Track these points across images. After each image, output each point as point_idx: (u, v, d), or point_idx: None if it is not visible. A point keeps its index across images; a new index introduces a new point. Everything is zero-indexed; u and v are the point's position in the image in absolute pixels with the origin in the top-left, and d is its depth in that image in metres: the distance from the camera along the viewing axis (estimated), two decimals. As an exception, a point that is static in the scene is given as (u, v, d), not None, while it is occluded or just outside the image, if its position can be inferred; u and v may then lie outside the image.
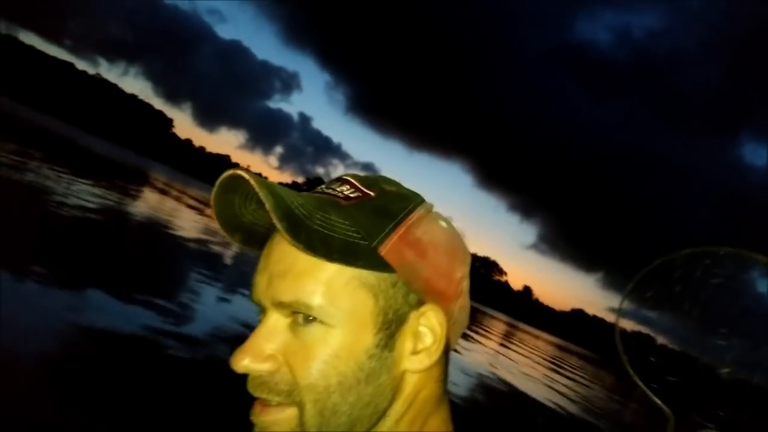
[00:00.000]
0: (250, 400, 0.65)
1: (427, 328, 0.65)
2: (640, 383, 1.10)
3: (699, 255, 1.13)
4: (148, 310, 6.78)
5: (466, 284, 0.69)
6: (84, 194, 14.17)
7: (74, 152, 34.07)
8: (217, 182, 0.63)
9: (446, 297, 0.66)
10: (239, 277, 12.64)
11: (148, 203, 20.23)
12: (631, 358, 1.13)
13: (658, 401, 1.06)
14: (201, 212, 26.27)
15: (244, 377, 0.64)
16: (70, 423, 3.69)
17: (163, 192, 30.79)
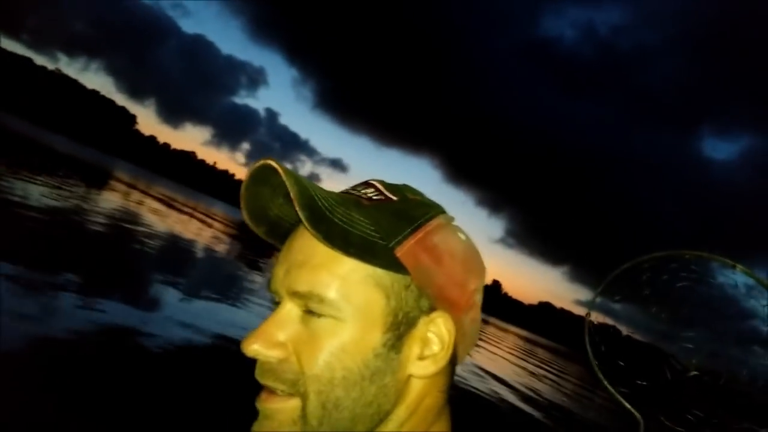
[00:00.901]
0: (252, 389, 0.66)
1: (435, 334, 0.65)
2: (610, 388, 1.10)
3: (665, 258, 1.14)
4: (112, 310, 6.63)
5: (478, 298, 0.70)
6: (44, 194, 13.75)
7: (33, 150, 33.03)
8: (249, 172, 0.65)
9: (458, 306, 0.66)
10: (204, 277, 12.47)
11: (111, 201, 19.73)
12: (600, 362, 1.14)
13: (629, 406, 1.07)
14: (161, 214, 25.83)
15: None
16: (38, 423, 3.58)
17: (126, 190, 30.10)
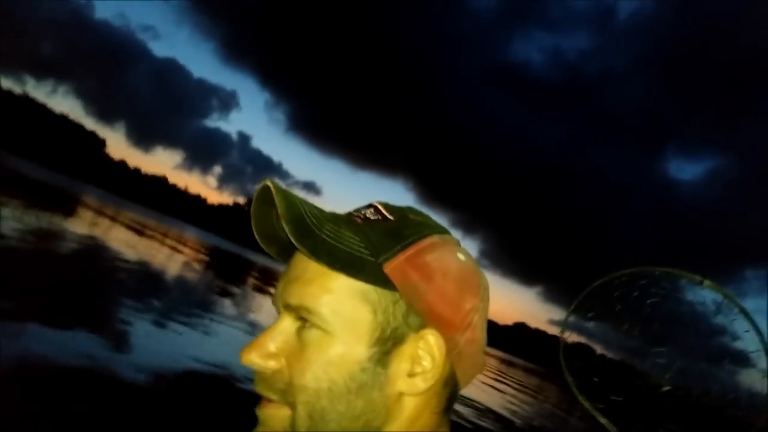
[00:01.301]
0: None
1: (426, 352, 0.65)
2: (586, 404, 1.11)
3: (636, 275, 1.17)
4: (83, 339, 6.45)
5: (477, 318, 0.68)
6: (11, 220, 13.40)
7: (-1, 176, 32.26)
8: (255, 193, 0.68)
9: (451, 325, 0.65)
10: (174, 303, 12.24)
11: (78, 228, 19.30)
12: (575, 378, 1.15)
13: (604, 420, 1.07)
14: (139, 233, 25.39)
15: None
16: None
17: (95, 217, 29.48)
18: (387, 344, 0.64)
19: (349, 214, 0.71)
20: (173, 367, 6.94)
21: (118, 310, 9.25)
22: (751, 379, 1.05)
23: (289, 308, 0.66)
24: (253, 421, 0.70)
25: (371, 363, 0.63)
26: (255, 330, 12.63)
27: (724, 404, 1.07)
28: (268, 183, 0.65)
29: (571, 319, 1.19)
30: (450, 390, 0.69)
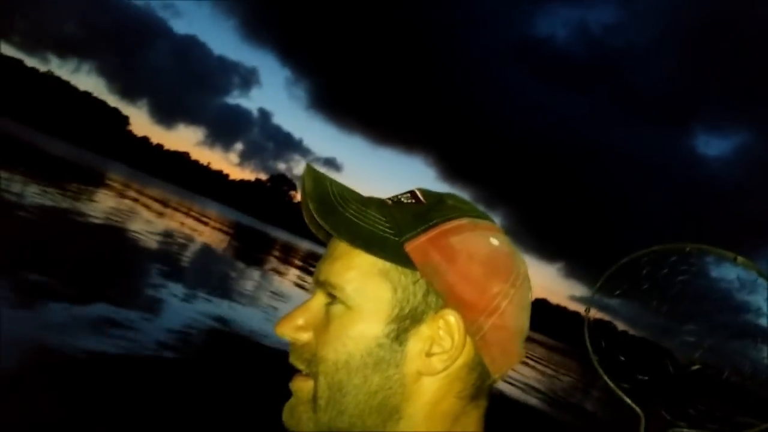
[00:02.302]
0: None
1: (445, 332, 0.65)
2: (611, 383, 1.09)
3: (665, 252, 1.13)
4: (109, 313, 6.59)
5: (507, 304, 0.66)
6: (39, 196, 13.66)
7: (26, 152, 32.82)
8: (301, 179, 0.70)
9: (474, 307, 0.64)
10: (200, 277, 12.42)
11: (105, 204, 19.61)
12: (600, 358, 1.12)
13: (629, 401, 1.05)
14: (160, 213, 25.73)
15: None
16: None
17: (121, 192, 29.91)
18: (405, 322, 0.65)
19: (384, 199, 0.72)
20: (198, 332, 7.07)
21: (145, 283, 9.42)
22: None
23: (319, 284, 0.69)
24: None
25: (388, 339, 0.65)
26: (277, 303, 12.80)
27: (754, 384, 1.04)
28: (306, 166, 0.69)
29: (597, 296, 1.16)
30: (477, 376, 0.68)
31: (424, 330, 0.65)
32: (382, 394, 0.65)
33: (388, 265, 0.66)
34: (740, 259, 1.08)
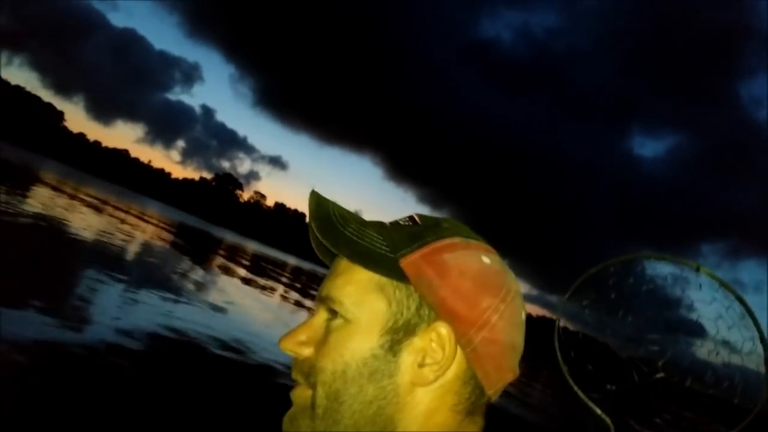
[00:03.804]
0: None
1: (437, 344, 0.67)
2: (581, 394, 1.10)
3: (632, 262, 1.15)
4: (43, 315, 6.28)
5: (497, 319, 0.68)
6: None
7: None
8: (308, 204, 0.74)
9: (464, 321, 0.67)
10: (141, 276, 12.03)
11: (39, 203, 18.67)
12: (569, 367, 1.13)
13: (599, 411, 1.06)
14: (98, 212, 24.77)
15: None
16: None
17: (56, 191, 28.54)
18: (399, 333, 0.67)
19: (384, 222, 0.76)
20: (139, 336, 6.83)
21: (79, 285, 9.03)
22: (746, 365, 1.04)
23: (321, 300, 0.72)
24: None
25: (382, 350, 0.67)
26: (223, 303, 12.52)
27: (718, 391, 1.07)
28: (312, 191, 0.74)
29: (565, 306, 1.17)
30: (471, 391, 0.69)
31: (417, 342, 0.68)
32: (376, 404, 0.67)
33: (384, 280, 0.69)
34: (702, 269, 1.11)
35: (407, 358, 0.67)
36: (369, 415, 0.67)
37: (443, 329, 0.67)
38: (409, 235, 0.71)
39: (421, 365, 0.67)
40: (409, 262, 0.68)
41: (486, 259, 0.71)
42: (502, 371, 0.70)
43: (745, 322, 1.06)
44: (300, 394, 0.72)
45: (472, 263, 0.69)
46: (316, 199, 0.73)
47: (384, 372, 0.67)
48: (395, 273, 0.68)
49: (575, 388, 1.10)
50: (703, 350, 1.12)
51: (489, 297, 0.68)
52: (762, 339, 1.02)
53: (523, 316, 0.73)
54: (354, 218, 0.73)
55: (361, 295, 0.69)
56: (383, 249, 0.69)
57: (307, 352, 0.72)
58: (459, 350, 0.67)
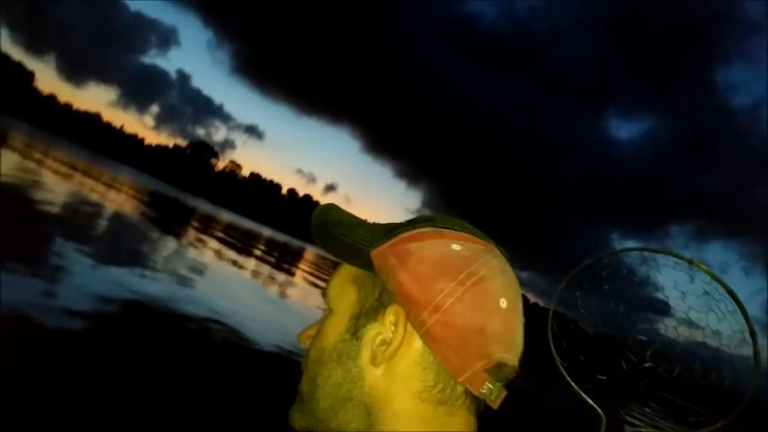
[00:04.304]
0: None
1: (391, 324, 0.70)
2: (573, 385, 1.11)
3: (624, 254, 1.16)
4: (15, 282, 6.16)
5: (453, 302, 0.68)
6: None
7: None
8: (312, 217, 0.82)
9: (417, 303, 0.69)
10: (110, 247, 11.84)
11: (4, 165, 18.10)
12: (562, 358, 1.13)
13: (591, 402, 1.07)
14: (66, 177, 24.21)
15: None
16: None
17: (23, 154, 27.69)
18: (362, 319, 0.73)
19: (389, 223, 0.81)
20: (108, 302, 6.75)
21: (50, 252, 8.85)
22: (734, 356, 1.06)
23: (324, 296, 0.80)
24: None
25: (348, 334, 0.73)
26: (193, 274, 12.42)
27: (707, 381, 1.09)
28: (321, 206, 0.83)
29: (559, 297, 1.17)
30: (434, 377, 0.69)
31: (377, 326, 0.72)
32: (345, 387, 0.71)
33: (360, 271, 0.76)
34: (695, 262, 1.12)
35: (367, 339, 0.72)
36: (341, 396, 0.72)
37: (392, 309, 0.70)
38: (388, 229, 0.76)
39: (377, 346, 0.71)
40: (377, 252, 0.73)
41: (455, 246, 0.72)
42: (467, 357, 0.67)
43: (735, 316, 1.07)
44: (302, 382, 0.79)
45: (436, 250, 0.72)
46: (320, 210, 0.82)
47: (349, 355, 0.72)
48: (368, 264, 0.74)
49: (568, 378, 1.11)
50: (692, 341, 1.14)
51: (445, 280, 0.69)
52: (752, 332, 1.04)
53: (505, 304, 0.70)
54: (351, 221, 0.80)
55: (342, 286, 0.77)
56: (363, 244, 0.75)
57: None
58: (415, 334, 0.69)
